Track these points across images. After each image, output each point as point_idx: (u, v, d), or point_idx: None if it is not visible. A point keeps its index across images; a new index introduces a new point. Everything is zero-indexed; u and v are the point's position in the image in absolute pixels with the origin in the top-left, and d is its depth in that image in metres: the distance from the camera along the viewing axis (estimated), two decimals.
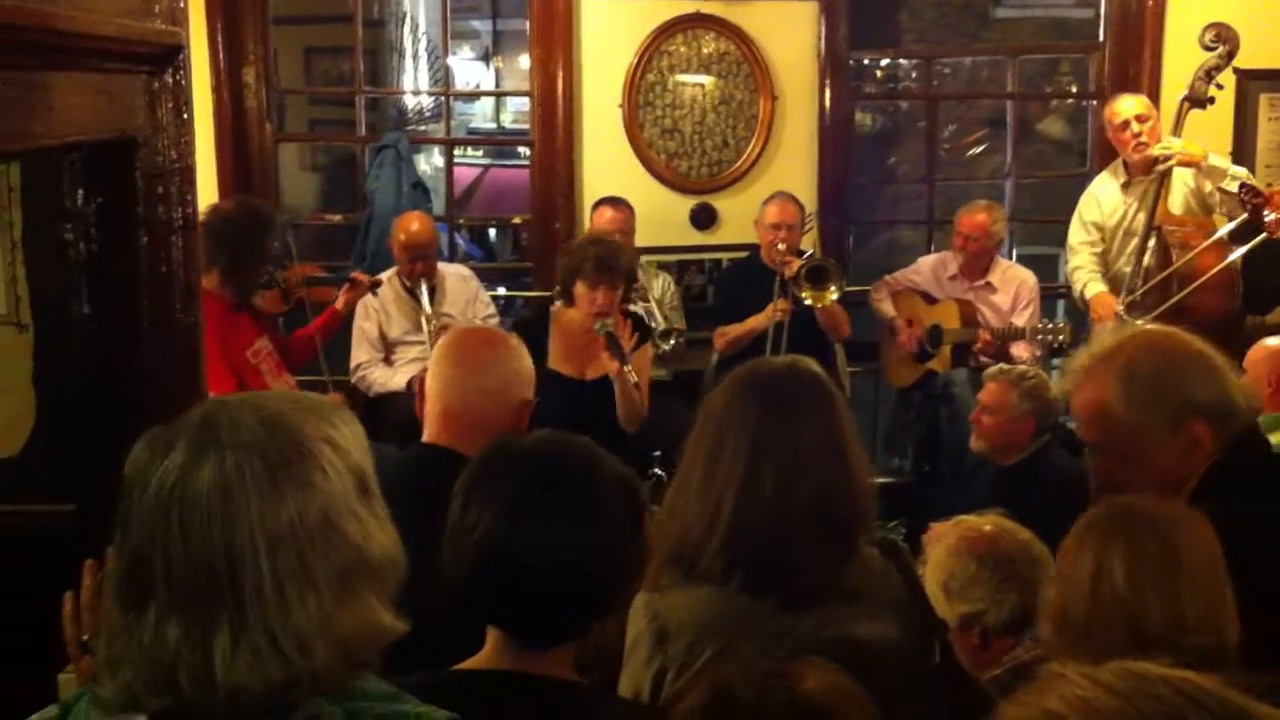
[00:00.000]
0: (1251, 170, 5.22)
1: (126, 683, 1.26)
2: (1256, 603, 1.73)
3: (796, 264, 4.97)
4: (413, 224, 4.91)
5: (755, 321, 5.04)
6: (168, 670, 1.23)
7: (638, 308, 4.92)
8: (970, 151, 9.01)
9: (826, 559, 1.86)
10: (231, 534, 1.25)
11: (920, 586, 2.06)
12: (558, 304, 4.34)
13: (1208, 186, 4.79)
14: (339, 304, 4.66)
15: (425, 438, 2.35)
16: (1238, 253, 4.49)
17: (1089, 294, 5.01)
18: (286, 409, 1.35)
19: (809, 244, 5.50)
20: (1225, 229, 4.61)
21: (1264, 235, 4.29)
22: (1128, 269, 4.86)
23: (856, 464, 1.92)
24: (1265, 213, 4.24)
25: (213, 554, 1.25)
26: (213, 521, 1.25)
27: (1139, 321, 4.73)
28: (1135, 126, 4.89)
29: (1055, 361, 5.06)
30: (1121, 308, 4.75)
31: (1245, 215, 4.41)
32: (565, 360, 4.14)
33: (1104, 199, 5.11)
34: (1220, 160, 4.76)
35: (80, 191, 2.06)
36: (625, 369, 3.92)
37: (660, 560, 1.86)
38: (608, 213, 5.15)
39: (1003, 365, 4.36)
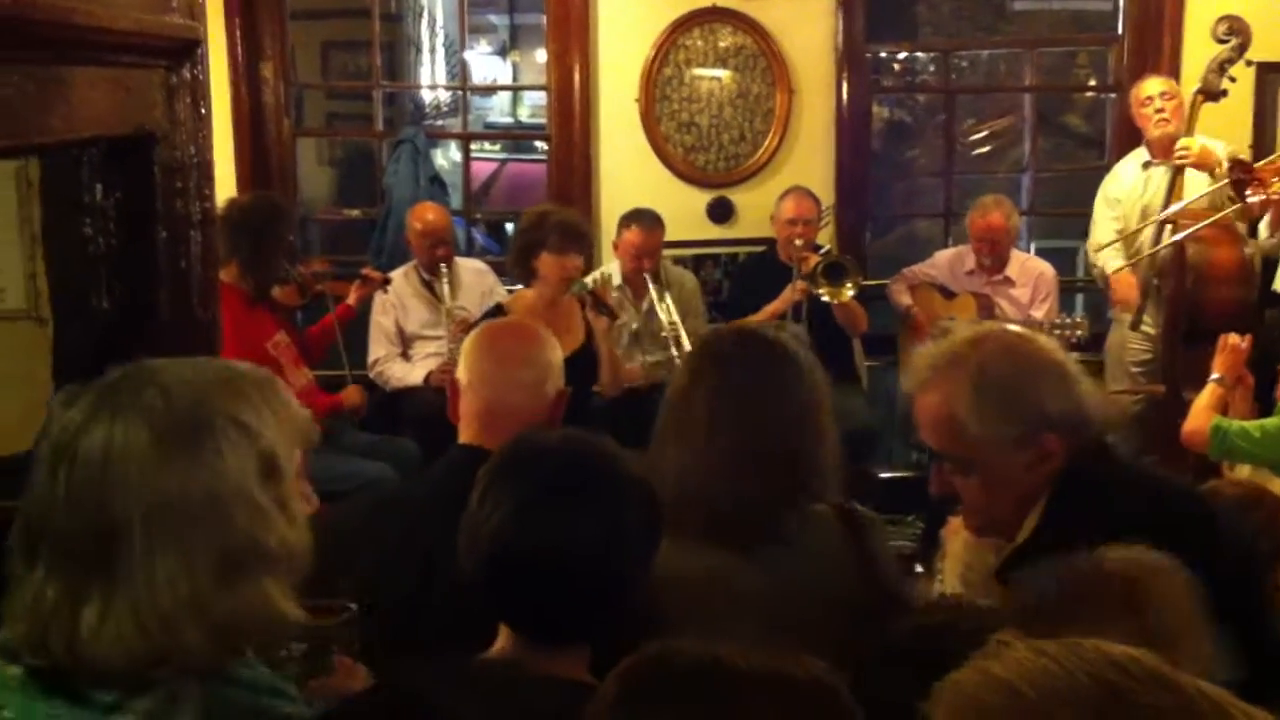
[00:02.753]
0: None
1: (11, 635, 1.25)
2: None
3: (813, 259, 4.95)
4: (428, 213, 4.98)
5: (773, 307, 5.00)
6: (43, 629, 1.22)
7: (666, 331, 4.66)
8: (980, 134, 8.95)
9: (760, 502, 1.91)
10: (110, 501, 1.22)
11: (875, 554, 2.04)
12: (505, 299, 4.42)
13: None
14: (351, 299, 4.73)
15: (464, 438, 2.26)
16: (1189, 229, 4.47)
17: (1110, 270, 5.00)
18: (200, 382, 1.31)
19: (826, 239, 5.48)
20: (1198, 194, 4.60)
21: (1238, 206, 4.27)
22: (1143, 254, 4.86)
23: (794, 414, 1.96)
24: (1247, 191, 4.18)
25: (91, 519, 1.22)
26: (93, 485, 1.23)
27: (1125, 317, 4.85)
28: (1159, 102, 4.91)
29: (1074, 355, 5.02)
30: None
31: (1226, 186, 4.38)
32: None
33: (1125, 177, 5.13)
34: None
35: (99, 186, 2.06)
36: (616, 322, 3.99)
37: None
38: (637, 233, 4.89)
39: None
